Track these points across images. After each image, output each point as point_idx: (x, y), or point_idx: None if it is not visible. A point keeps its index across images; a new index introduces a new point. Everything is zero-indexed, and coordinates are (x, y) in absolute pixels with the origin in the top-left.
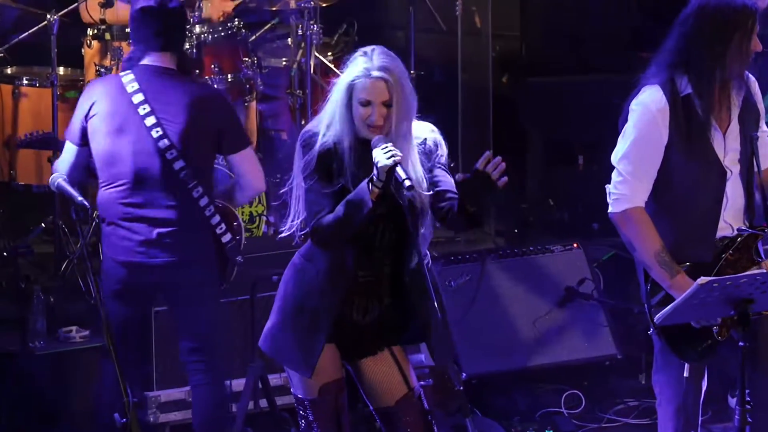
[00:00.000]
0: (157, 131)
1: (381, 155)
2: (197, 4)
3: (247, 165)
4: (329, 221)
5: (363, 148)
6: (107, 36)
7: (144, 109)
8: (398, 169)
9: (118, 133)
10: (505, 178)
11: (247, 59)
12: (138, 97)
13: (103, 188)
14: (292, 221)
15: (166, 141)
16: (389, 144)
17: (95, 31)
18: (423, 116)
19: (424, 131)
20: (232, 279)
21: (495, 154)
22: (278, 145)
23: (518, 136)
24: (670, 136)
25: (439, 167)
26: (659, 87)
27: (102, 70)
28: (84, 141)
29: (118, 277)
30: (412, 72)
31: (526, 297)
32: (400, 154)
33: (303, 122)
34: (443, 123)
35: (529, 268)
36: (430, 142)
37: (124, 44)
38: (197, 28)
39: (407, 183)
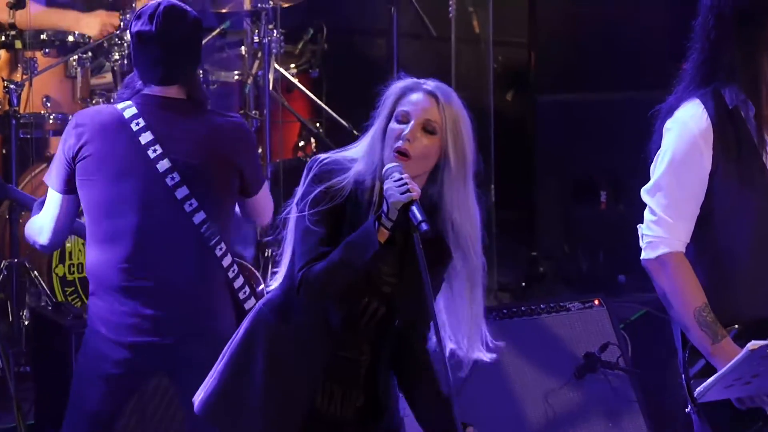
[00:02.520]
0: (173, 178)
1: (394, 188)
2: (132, 4)
3: (263, 203)
4: (321, 268)
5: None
6: (18, 44)
7: (155, 151)
8: (414, 207)
9: (119, 179)
10: None
11: None
12: (146, 137)
13: (95, 248)
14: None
15: (185, 189)
16: (405, 174)
17: (3, 38)
18: None
19: None
20: None
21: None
22: None
23: (526, 166)
24: (714, 162)
25: None
26: (699, 101)
27: (12, 86)
28: (70, 187)
29: (117, 360)
30: None
31: (536, 366)
32: (417, 189)
33: (260, 149)
34: None
35: (539, 331)
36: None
37: (38, 54)
38: (128, 36)
39: (423, 226)
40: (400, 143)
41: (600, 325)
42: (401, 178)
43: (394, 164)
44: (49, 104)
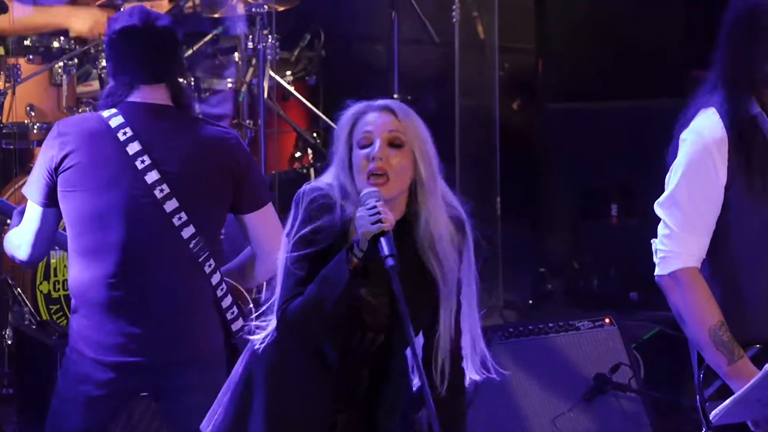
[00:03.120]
0: (162, 190)
1: (366, 217)
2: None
3: (268, 228)
4: (298, 304)
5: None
6: (0, 50)
7: (143, 162)
8: (383, 240)
9: (105, 191)
10: None
11: (181, 80)
12: (133, 147)
13: (78, 263)
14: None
15: (174, 202)
16: (380, 202)
17: None
18: None
19: (447, 222)
20: None
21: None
22: None
23: (533, 178)
24: (730, 174)
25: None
26: (715, 110)
27: None
28: (51, 200)
29: (100, 382)
30: (395, 96)
31: (543, 388)
32: (390, 218)
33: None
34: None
35: (547, 351)
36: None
37: (22, 61)
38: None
39: (389, 261)
40: (372, 165)
41: (611, 344)
42: (375, 206)
43: (372, 189)
44: (33, 113)
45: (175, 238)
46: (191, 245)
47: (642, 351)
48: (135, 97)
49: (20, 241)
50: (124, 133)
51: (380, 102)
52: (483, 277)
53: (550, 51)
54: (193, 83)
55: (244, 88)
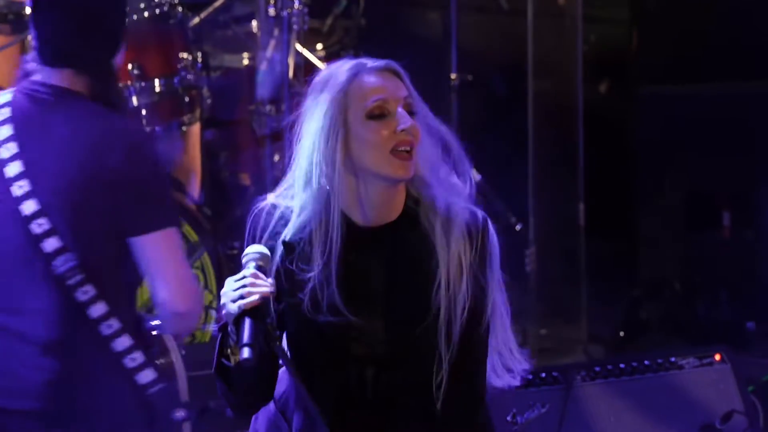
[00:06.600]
0: (21, 186)
1: (229, 293)
2: None
3: (161, 259)
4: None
5: (359, 238)
6: None
7: (7, 149)
8: (246, 321)
9: None
10: None
11: (186, 56)
12: (4, 131)
13: None
14: None
15: (33, 204)
16: (252, 272)
17: None
18: (471, 149)
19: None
20: None
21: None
22: (235, 194)
23: (624, 178)
24: None
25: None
26: None
27: None
28: None
29: None
30: (452, 76)
31: None
32: (262, 290)
33: (276, 157)
34: (504, 156)
35: (642, 395)
36: (459, 242)
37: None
38: None
39: (243, 353)
40: (404, 137)
41: (722, 387)
42: (243, 278)
43: (252, 251)
44: None
45: (34, 251)
46: (57, 262)
47: (761, 395)
48: (40, 77)
49: None
50: (1, 113)
51: (375, 62)
52: (561, 303)
53: (646, 22)
54: (200, 59)
55: (264, 66)
